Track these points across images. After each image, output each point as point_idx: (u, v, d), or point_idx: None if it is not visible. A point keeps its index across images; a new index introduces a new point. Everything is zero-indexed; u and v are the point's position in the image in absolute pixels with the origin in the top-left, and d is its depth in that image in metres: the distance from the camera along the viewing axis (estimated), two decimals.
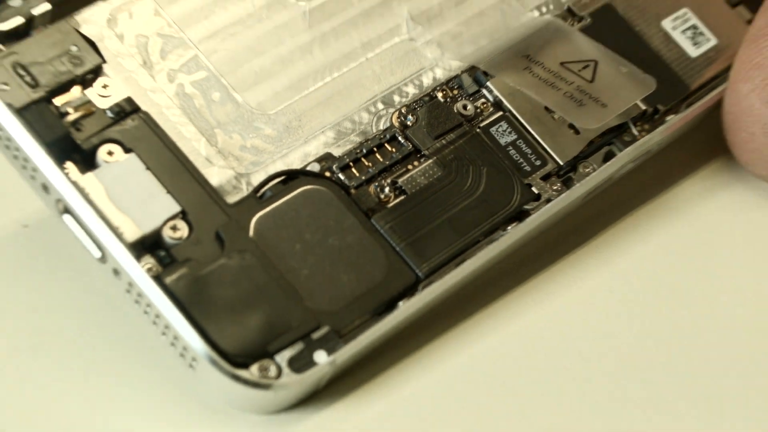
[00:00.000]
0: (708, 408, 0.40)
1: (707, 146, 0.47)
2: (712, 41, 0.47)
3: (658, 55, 0.46)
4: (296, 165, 0.41)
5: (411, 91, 0.43)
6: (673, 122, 0.44)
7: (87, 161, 0.38)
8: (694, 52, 0.47)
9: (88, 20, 0.41)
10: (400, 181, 0.41)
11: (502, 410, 0.40)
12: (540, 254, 0.43)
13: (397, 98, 0.43)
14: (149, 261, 0.37)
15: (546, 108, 0.43)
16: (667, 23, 0.47)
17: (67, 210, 0.37)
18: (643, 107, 0.45)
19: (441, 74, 0.44)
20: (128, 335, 0.40)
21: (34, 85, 0.38)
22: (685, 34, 0.47)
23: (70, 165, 0.38)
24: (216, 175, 0.40)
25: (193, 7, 0.42)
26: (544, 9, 0.46)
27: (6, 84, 0.38)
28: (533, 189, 0.42)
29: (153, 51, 0.41)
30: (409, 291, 0.39)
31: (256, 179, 0.40)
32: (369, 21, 0.44)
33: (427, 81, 0.44)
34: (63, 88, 0.38)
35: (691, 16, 0.47)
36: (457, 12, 0.45)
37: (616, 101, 0.44)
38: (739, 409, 0.40)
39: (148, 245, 0.37)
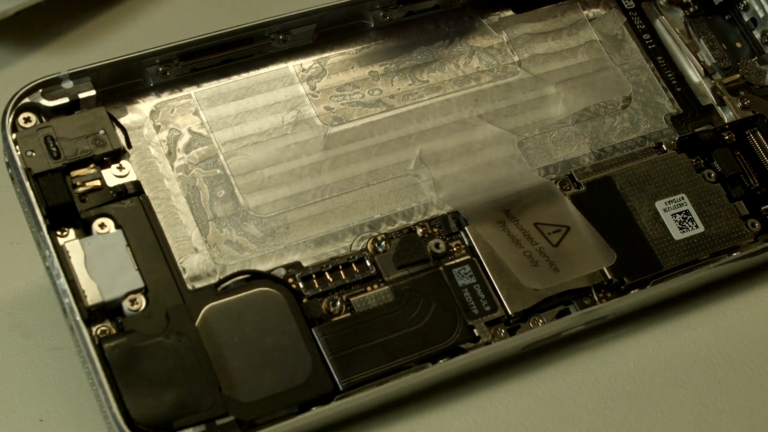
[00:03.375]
0: None
1: None
2: (700, 229, 0.43)
3: (642, 231, 0.41)
4: (269, 267, 0.39)
5: (399, 221, 0.41)
6: (633, 296, 0.40)
7: (85, 229, 0.38)
8: (678, 235, 0.42)
9: (135, 108, 0.41)
10: (353, 299, 0.39)
11: None
12: None
13: (384, 225, 0.41)
14: (106, 325, 0.36)
15: None
16: (660, 204, 0.43)
17: (47, 267, 0.37)
18: (609, 276, 0.41)
19: (433, 211, 0.41)
20: (74, 386, 0.40)
21: (57, 156, 0.38)
22: (674, 217, 0.43)
23: (70, 230, 0.38)
24: (196, 261, 0.39)
25: (228, 113, 0.41)
26: (552, 170, 0.44)
27: (33, 151, 0.38)
28: (474, 331, 0.38)
29: (180, 144, 0.41)
30: (324, 399, 0.37)
31: (230, 272, 0.39)
32: (382, 153, 0.42)
33: (417, 215, 0.41)
34: (81, 163, 0.38)
35: (686, 202, 0.43)
36: (466, 159, 0.42)
37: (570, 269, 0.40)
38: None
39: (108, 311, 0.37)
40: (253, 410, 0.36)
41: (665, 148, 0.44)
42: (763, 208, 0.44)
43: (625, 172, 0.43)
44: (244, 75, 0.42)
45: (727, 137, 0.45)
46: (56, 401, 0.40)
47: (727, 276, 0.43)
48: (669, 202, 0.43)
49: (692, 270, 0.41)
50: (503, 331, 0.39)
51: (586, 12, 0.47)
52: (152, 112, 0.41)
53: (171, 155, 0.40)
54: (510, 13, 0.46)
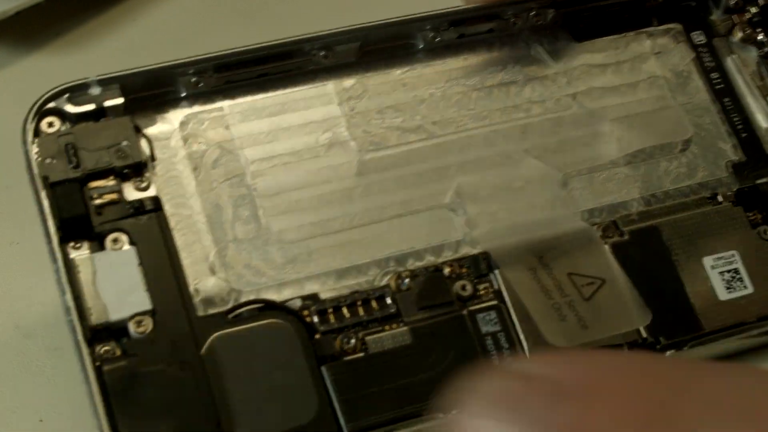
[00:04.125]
0: None
1: None
2: (749, 290, 0.40)
3: (685, 288, 0.39)
4: (286, 296, 0.37)
5: (427, 257, 0.39)
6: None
7: (99, 243, 0.36)
8: (724, 295, 0.40)
9: (164, 118, 0.39)
10: (368, 338, 0.37)
11: None
12: None
13: (411, 260, 0.39)
14: (111, 345, 0.35)
15: None
16: (708, 260, 0.40)
17: (58, 281, 0.36)
18: (644, 335, 0.39)
19: (464, 250, 0.39)
20: (75, 386, 0.38)
21: (76, 166, 0.37)
22: (723, 275, 0.40)
23: (84, 243, 0.37)
24: (211, 284, 0.37)
25: (261, 130, 0.40)
26: (596, 214, 0.41)
27: (53, 158, 0.37)
28: None
29: (208, 159, 0.39)
30: None
31: (246, 298, 0.38)
32: (417, 183, 0.40)
33: (447, 252, 0.39)
34: (101, 174, 0.37)
35: (737, 259, 0.41)
36: (506, 197, 0.40)
37: (599, 327, 0.37)
38: None
39: (114, 330, 0.36)
40: None
41: (721, 199, 0.42)
42: None
43: (674, 222, 0.41)
44: (281, 91, 0.41)
45: None
46: (56, 401, 0.40)
47: None
48: (718, 258, 0.40)
49: (736, 333, 0.39)
50: None
51: (651, 44, 0.44)
52: (182, 124, 0.39)
53: (197, 170, 0.39)
54: (570, 41, 0.44)
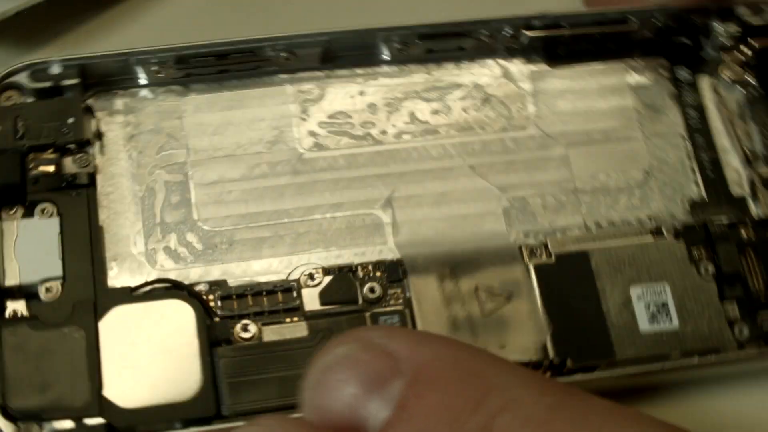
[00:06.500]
0: None
1: None
2: (673, 324, 0.39)
3: (606, 316, 0.38)
4: (195, 280, 0.38)
5: (346, 258, 0.40)
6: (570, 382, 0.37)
7: (31, 211, 0.38)
8: (645, 327, 0.39)
9: (119, 103, 0.41)
10: (265, 328, 0.38)
11: None
12: None
13: (330, 260, 0.39)
14: (20, 304, 0.37)
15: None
16: (636, 290, 0.39)
17: None
18: (551, 356, 0.38)
19: (386, 256, 0.39)
20: None
21: (21, 137, 0.39)
22: (648, 308, 0.39)
23: (18, 208, 0.39)
24: (129, 263, 0.38)
25: (211, 122, 0.41)
26: (531, 236, 0.40)
27: (3, 128, 0.39)
28: None
29: (153, 145, 0.41)
30: (204, 421, 0.36)
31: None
32: (352, 187, 0.40)
33: (368, 256, 0.39)
34: (42, 148, 0.39)
35: (666, 292, 0.39)
36: (439, 208, 0.40)
37: (491, 341, 0.37)
38: None
39: (25, 293, 0.37)
40: (127, 417, 0.36)
41: (665, 233, 0.40)
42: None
43: (607, 250, 0.40)
44: (239, 89, 0.42)
45: (745, 234, 0.41)
46: None
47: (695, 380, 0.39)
48: (646, 289, 0.39)
49: (647, 364, 0.38)
50: None
51: (629, 75, 0.44)
52: (135, 109, 0.41)
53: (141, 154, 0.40)
54: (543, 64, 0.44)
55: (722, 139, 0.43)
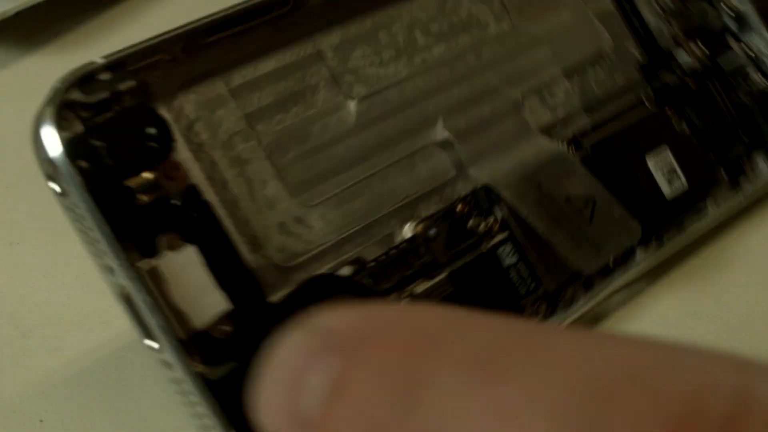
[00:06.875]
0: None
1: None
2: (684, 184, 0.45)
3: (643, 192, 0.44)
4: (330, 264, 0.38)
5: (434, 200, 0.40)
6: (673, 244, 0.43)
7: (148, 246, 0.34)
8: (668, 193, 0.44)
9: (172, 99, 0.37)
10: (418, 291, 0.38)
11: None
12: None
13: (422, 206, 0.40)
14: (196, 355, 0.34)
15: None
16: (650, 161, 0.44)
17: (128, 298, 0.33)
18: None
19: (459, 187, 0.41)
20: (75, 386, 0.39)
21: (111, 165, 0.34)
22: (664, 174, 0.44)
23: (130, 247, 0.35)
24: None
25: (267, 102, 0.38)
26: (554, 131, 0.44)
27: (84, 161, 0.34)
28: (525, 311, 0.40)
29: (223, 134, 0.37)
30: None
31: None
32: (404, 126, 0.41)
33: (447, 192, 0.40)
34: (134, 169, 0.34)
35: (670, 157, 0.45)
36: (487, 130, 0.42)
37: (607, 246, 0.41)
38: None
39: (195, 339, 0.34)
40: None
41: (647, 105, 0.46)
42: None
43: (623, 132, 0.44)
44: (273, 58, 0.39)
45: (693, 86, 0.47)
46: (56, 401, 0.39)
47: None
48: (657, 158, 0.44)
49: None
50: (544, 307, 0.40)
51: None
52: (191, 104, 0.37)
53: (226, 144, 0.37)
54: None
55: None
